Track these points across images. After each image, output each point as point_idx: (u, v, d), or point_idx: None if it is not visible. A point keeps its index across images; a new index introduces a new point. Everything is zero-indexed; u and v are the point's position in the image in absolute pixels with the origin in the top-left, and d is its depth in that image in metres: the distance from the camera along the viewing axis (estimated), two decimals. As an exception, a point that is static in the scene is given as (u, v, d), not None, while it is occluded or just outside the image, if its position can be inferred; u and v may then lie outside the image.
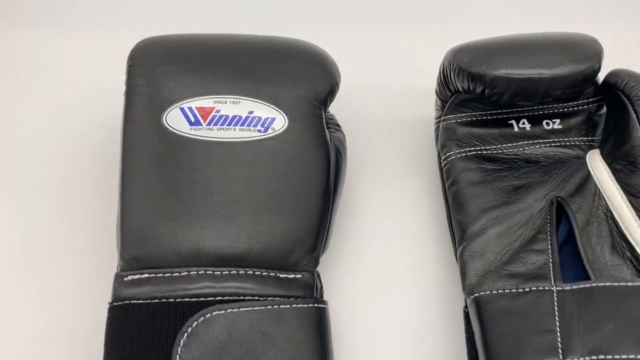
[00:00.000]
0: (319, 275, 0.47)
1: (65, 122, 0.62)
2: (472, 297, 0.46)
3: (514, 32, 0.58)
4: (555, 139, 0.54)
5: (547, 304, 0.44)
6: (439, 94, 0.58)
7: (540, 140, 0.54)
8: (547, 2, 0.73)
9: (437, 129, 0.59)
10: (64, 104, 0.63)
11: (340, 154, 0.52)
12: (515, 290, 0.45)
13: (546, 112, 0.55)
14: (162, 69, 0.49)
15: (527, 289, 0.45)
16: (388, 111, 0.65)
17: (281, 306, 0.43)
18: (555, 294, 0.44)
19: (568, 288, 0.44)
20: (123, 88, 0.51)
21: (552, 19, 0.70)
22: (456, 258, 0.51)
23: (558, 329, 0.42)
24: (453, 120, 0.56)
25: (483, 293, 0.46)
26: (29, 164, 0.59)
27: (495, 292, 0.46)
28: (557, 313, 0.43)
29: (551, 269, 0.46)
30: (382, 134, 0.63)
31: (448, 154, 0.55)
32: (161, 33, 0.55)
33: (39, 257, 0.54)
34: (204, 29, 0.58)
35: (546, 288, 0.44)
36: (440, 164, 0.56)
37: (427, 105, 0.63)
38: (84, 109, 0.62)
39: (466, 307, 0.48)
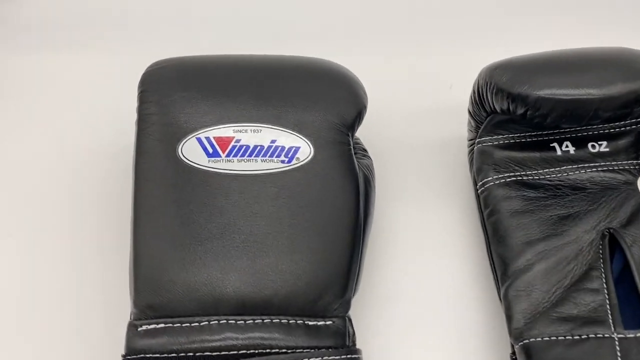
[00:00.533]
0: (350, 321, 0.43)
1: (72, 150, 0.58)
2: (521, 343, 0.42)
3: (544, 48, 0.54)
4: (603, 163, 0.49)
5: (608, 354, 0.39)
6: (472, 114, 0.54)
7: (586, 165, 0.50)
8: (577, 14, 0.69)
9: (470, 152, 0.55)
10: (71, 130, 0.60)
11: (369, 183, 0.48)
12: (570, 337, 0.41)
13: (591, 133, 0.51)
14: (176, 95, 0.46)
15: (583, 336, 0.41)
16: (415, 131, 0.61)
17: (311, 359, 0.39)
18: (617, 342, 0.40)
19: (631, 335, 0.40)
20: (134, 114, 0.47)
21: (585, 31, 0.66)
22: (499, 296, 0.47)
23: (622, 383, 0.38)
24: (489, 143, 0.52)
25: (533, 339, 0.42)
26: (33, 196, 0.55)
27: (547, 338, 0.41)
28: (620, 364, 0.39)
29: (609, 311, 0.42)
30: (410, 157, 0.59)
31: (485, 180, 0.50)
32: (173, 52, 0.52)
33: (44, 301, 0.50)
34: (219, 47, 0.55)
35: (606, 335, 0.40)
36: (477, 190, 0.52)
37: (457, 123, 0.60)
38: (93, 135, 0.59)
39: (513, 353, 0.43)
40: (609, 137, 0.50)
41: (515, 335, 0.43)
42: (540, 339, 0.41)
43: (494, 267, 0.48)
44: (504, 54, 0.52)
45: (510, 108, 0.48)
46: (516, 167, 0.50)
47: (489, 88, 0.49)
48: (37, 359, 0.47)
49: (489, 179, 0.50)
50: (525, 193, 0.49)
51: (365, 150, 0.52)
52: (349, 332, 0.42)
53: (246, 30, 0.68)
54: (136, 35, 0.67)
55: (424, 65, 0.66)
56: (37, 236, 0.53)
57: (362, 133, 0.52)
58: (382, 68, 0.66)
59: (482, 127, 0.53)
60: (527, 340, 0.42)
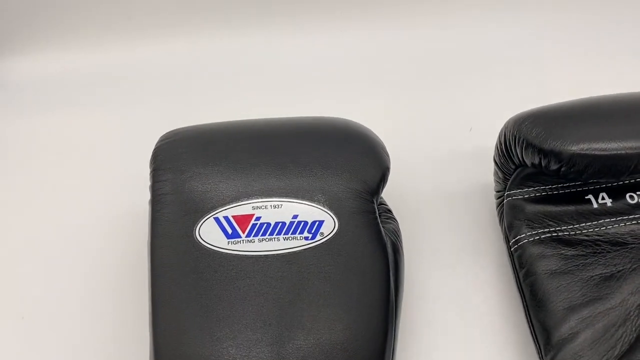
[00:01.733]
0: (387, 405, 0.40)
1: (85, 218, 0.56)
2: None
3: (571, 89, 0.51)
4: (643, 215, 0.47)
5: None
6: (499, 165, 0.51)
7: (625, 217, 0.47)
8: (600, 53, 0.67)
9: (500, 205, 0.52)
10: (83, 195, 0.58)
11: (397, 251, 0.46)
12: (629, 420, 0.38)
13: (628, 183, 0.48)
14: (190, 172, 0.43)
15: (643, 418, 0.38)
16: (437, 179, 0.59)
17: None
18: None
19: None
20: (146, 177, 0.45)
21: (610, 72, 0.64)
22: (543, 367, 0.44)
23: None
24: (519, 197, 0.49)
25: (587, 422, 0.39)
26: (47, 276, 0.53)
27: (603, 420, 0.38)
28: None
29: (668, 386, 0.39)
30: (433, 209, 0.56)
31: (518, 237, 0.48)
32: (182, 108, 0.50)
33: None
34: (229, 101, 0.53)
35: (667, 415, 0.37)
36: (510, 248, 0.49)
37: (479, 168, 0.57)
38: (107, 200, 0.56)
39: None
40: (647, 187, 0.48)
41: (566, 415, 0.40)
42: (594, 421, 0.38)
43: (535, 335, 0.45)
44: (524, 94, 0.50)
45: (542, 164, 0.46)
46: (550, 222, 0.47)
47: (518, 142, 0.47)
48: None
49: (522, 235, 0.47)
50: (562, 251, 0.46)
51: (390, 211, 0.49)
52: (387, 420, 0.40)
53: (258, 79, 0.66)
54: (146, 94, 0.65)
55: (441, 109, 0.64)
56: (49, 316, 0.51)
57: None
58: (398, 113, 0.64)
59: (511, 179, 0.50)
60: (580, 423, 0.39)
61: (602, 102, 0.47)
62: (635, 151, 0.43)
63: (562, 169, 0.45)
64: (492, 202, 0.55)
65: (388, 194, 0.51)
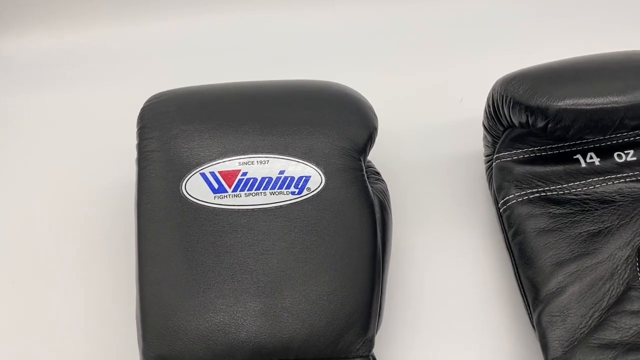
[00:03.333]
0: (375, 359, 0.40)
1: (75, 189, 0.56)
2: (561, 375, 0.39)
3: (559, 56, 0.51)
4: (630, 174, 0.47)
5: (659, 384, 0.36)
6: (488, 128, 0.52)
7: (613, 176, 0.47)
8: (593, 19, 0.67)
9: (488, 169, 0.52)
10: (72, 167, 0.58)
11: (385, 209, 0.46)
12: (615, 367, 0.38)
13: (616, 142, 0.48)
14: (177, 129, 0.44)
15: (629, 365, 0.38)
16: (428, 149, 0.58)
17: (336, 406, 0.36)
18: (667, 370, 0.37)
19: (682, 362, 0.37)
20: (134, 150, 0.45)
21: (603, 36, 0.64)
22: (531, 323, 0.44)
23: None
24: (508, 159, 0.49)
25: (574, 370, 0.39)
26: (35, 240, 0.53)
27: (590, 369, 0.38)
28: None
29: (654, 335, 0.39)
30: (424, 176, 0.56)
31: (506, 197, 0.48)
32: (171, 83, 0.50)
33: (48, 351, 0.47)
34: (218, 75, 0.53)
35: (654, 362, 0.37)
36: (499, 209, 0.49)
37: (470, 137, 0.57)
38: (96, 172, 0.56)
39: (552, 385, 0.40)
40: (635, 145, 0.48)
41: (554, 365, 0.40)
42: (581, 369, 0.38)
43: (524, 291, 0.45)
44: (515, 64, 0.50)
45: (529, 121, 0.46)
46: (539, 183, 0.47)
47: (505, 101, 0.47)
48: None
49: (511, 196, 0.48)
50: (551, 210, 0.46)
51: (378, 173, 0.49)
52: (374, 372, 0.40)
53: (246, 54, 0.66)
54: (132, 69, 0.65)
55: (432, 80, 0.64)
56: (39, 282, 0.51)
57: (373, 154, 0.50)
58: (388, 85, 0.63)
59: (500, 142, 0.50)
60: (567, 372, 0.39)
61: (588, 61, 0.47)
62: (621, 105, 0.43)
63: (549, 125, 0.45)
64: (482, 170, 0.55)
65: (377, 164, 0.51)
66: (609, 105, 0.43)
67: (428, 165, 0.57)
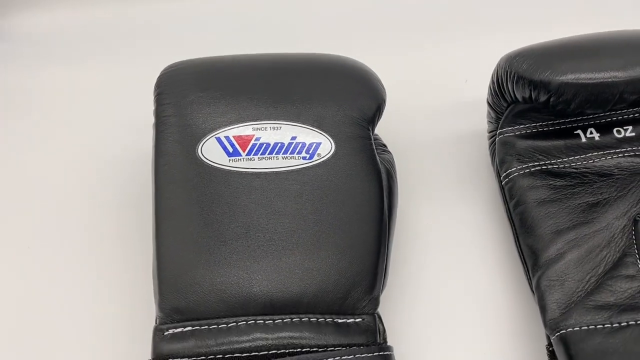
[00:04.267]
0: (380, 317, 0.42)
1: (89, 160, 0.57)
2: (558, 334, 0.41)
3: (563, 36, 0.53)
4: (629, 149, 0.48)
5: (651, 341, 0.38)
6: (492, 104, 0.53)
7: (612, 151, 0.48)
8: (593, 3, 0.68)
9: (492, 144, 0.54)
10: (88, 139, 0.59)
11: (391, 177, 0.47)
12: (609, 325, 0.40)
13: (615, 118, 0.50)
14: (193, 96, 0.45)
15: (623, 323, 0.39)
16: (432, 127, 0.60)
17: (343, 358, 0.38)
18: (659, 328, 0.38)
19: (673, 321, 0.38)
20: (150, 119, 0.47)
21: (605, 17, 0.65)
22: (531, 288, 0.45)
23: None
24: (511, 134, 0.51)
25: (570, 329, 0.40)
26: (51, 206, 0.55)
27: (586, 327, 0.40)
28: (664, 351, 0.38)
29: (648, 297, 0.40)
30: (429, 153, 0.58)
31: (509, 170, 0.49)
32: (186, 57, 0.52)
33: (67, 309, 0.49)
34: (231, 51, 0.55)
35: (647, 321, 0.39)
36: (501, 182, 0.51)
37: (474, 117, 0.59)
38: (110, 144, 0.58)
39: (550, 345, 0.42)
40: (634, 122, 0.49)
41: (551, 326, 0.41)
42: (577, 328, 0.40)
43: (524, 259, 0.47)
44: (519, 46, 0.52)
45: (532, 96, 0.47)
46: (540, 156, 0.49)
47: (509, 77, 0.48)
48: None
49: (513, 169, 0.49)
50: (551, 182, 0.48)
51: (385, 145, 0.51)
52: (379, 329, 0.41)
53: (258, 32, 0.67)
54: (147, 44, 0.67)
55: (437, 61, 0.65)
56: (58, 245, 0.52)
57: (380, 131, 0.52)
58: (394, 65, 0.65)
59: (503, 117, 0.52)
60: (564, 331, 0.40)
61: (588, 38, 0.49)
62: (619, 79, 0.45)
63: (552, 99, 0.46)
64: (485, 147, 0.56)
65: (383, 139, 0.53)
66: (609, 80, 0.45)
67: (433, 143, 0.59)
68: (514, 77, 0.48)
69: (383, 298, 0.44)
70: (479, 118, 0.58)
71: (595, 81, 0.45)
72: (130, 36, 0.68)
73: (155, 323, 0.40)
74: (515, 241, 0.48)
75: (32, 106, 0.63)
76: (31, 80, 0.65)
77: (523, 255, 0.47)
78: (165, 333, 0.39)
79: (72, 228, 0.53)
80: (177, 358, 0.38)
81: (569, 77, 0.45)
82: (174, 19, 0.69)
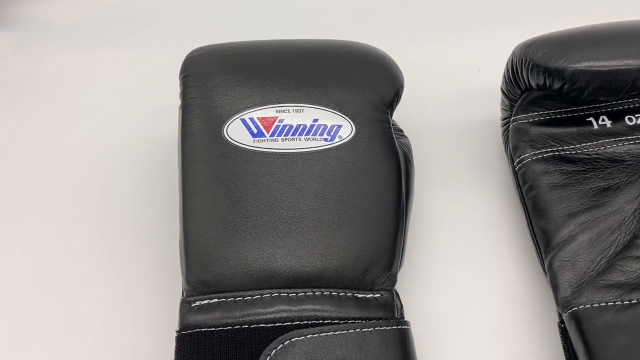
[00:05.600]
0: (397, 294, 0.44)
1: (117, 142, 0.59)
2: (570, 311, 0.42)
3: (577, 26, 0.54)
4: (639, 136, 0.49)
5: (660, 317, 0.39)
6: (506, 92, 0.55)
7: (624, 138, 0.50)
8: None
9: (505, 131, 0.55)
10: (115, 123, 0.61)
11: (409, 161, 0.49)
12: (620, 303, 0.41)
13: (627, 107, 0.51)
14: (218, 79, 0.47)
15: (633, 301, 0.41)
16: (446, 115, 0.61)
17: (363, 329, 0.40)
18: (668, 305, 0.40)
19: (682, 298, 0.40)
20: (169, 105, 0.48)
21: (618, 7, 0.66)
22: (543, 269, 0.47)
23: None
24: (524, 120, 0.52)
25: (582, 307, 0.42)
26: (80, 185, 0.56)
27: (597, 305, 0.41)
28: (673, 327, 0.39)
29: (657, 277, 0.42)
30: (443, 141, 0.59)
31: (522, 156, 0.51)
32: (204, 43, 0.53)
33: (94, 285, 0.51)
34: (254, 37, 0.56)
35: (656, 299, 0.40)
36: (514, 167, 0.52)
37: (487, 106, 0.60)
38: (136, 127, 0.60)
39: (561, 322, 0.44)
40: (645, 110, 0.50)
41: (563, 304, 0.43)
42: (589, 305, 0.42)
43: (536, 241, 0.48)
44: (532, 37, 0.53)
45: (547, 83, 0.49)
46: (553, 143, 0.50)
47: (524, 64, 0.50)
48: (91, 340, 0.48)
49: (526, 155, 0.50)
50: (564, 167, 0.49)
51: (401, 131, 0.52)
52: (397, 305, 0.43)
53: (278, 19, 0.69)
54: (169, 31, 0.68)
55: (452, 51, 0.66)
56: (86, 222, 0.54)
57: (396, 118, 0.53)
58: (410, 54, 0.66)
59: (517, 104, 0.53)
60: (575, 308, 0.42)
61: (602, 27, 0.50)
62: (632, 67, 0.46)
63: (565, 86, 0.48)
64: (498, 135, 0.58)
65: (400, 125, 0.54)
66: (622, 67, 0.46)
67: (447, 130, 0.60)
68: (528, 64, 0.49)
69: (400, 277, 0.45)
70: (491, 107, 0.59)
71: (608, 68, 0.46)
72: (145, 22, 0.69)
73: (182, 296, 0.42)
74: (528, 224, 0.50)
75: (52, 92, 0.64)
76: (48, 67, 0.66)
77: (536, 237, 0.48)
78: (192, 305, 0.41)
79: (100, 204, 0.55)
80: (204, 328, 0.40)
81: (583, 65, 0.47)
82: (193, 4, 0.70)
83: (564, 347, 0.43)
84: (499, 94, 0.56)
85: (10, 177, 0.57)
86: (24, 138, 0.60)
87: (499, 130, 0.58)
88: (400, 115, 0.54)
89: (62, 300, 0.50)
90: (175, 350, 0.40)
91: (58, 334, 0.48)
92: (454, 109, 0.61)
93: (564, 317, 0.43)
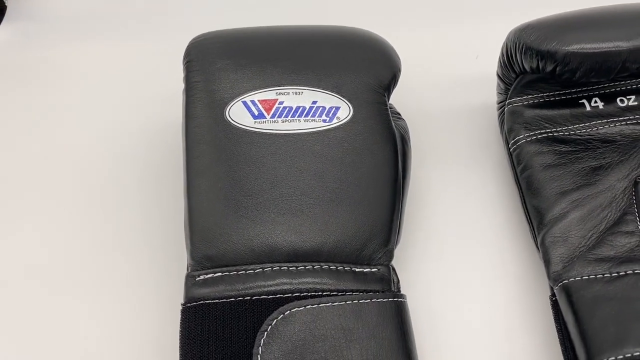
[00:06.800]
0: (394, 269, 0.45)
1: (122, 127, 0.61)
2: (560, 284, 0.44)
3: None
4: (631, 117, 0.51)
5: (648, 287, 0.41)
6: (501, 76, 0.56)
7: (615, 119, 0.51)
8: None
9: (501, 114, 0.57)
10: (121, 109, 0.62)
11: (405, 142, 0.50)
12: (608, 275, 0.43)
13: (619, 89, 0.52)
14: (220, 63, 0.48)
15: (622, 273, 0.42)
16: (444, 101, 0.63)
17: (361, 301, 0.41)
18: (655, 276, 0.41)
19: (668, 270, 0.41)
20: (179, 88, 0.50)
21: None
22: (536, 245, 0.48)
23: (662, 314, 0.40)
24: (519, 103, 0.54)
25: (573, 279, 0.43)
26: (90, 167, 0.58)
27: (587, 277, 0.43)
28: (659, 297, 0.40)
29: (645, 250, 0.43)
30: (440, 124, 0.61)
31: (517, 138, 0.52)
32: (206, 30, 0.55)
33: (104, 260, 0.52)
34: (255, 24, 0.57)
35: (644, 270, 0.42)
36: (509, 149, 0.53)
37: (484, 91, 0.61)
38: (142, 112, 0.61)
39: (553, 295, 0.45)
40: (637, 92, 0.52)
41: (554, 277, 0.44)
42: (579, 278, 0.43)
43: (530, 219, 0.50)
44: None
45: (540, 66, 0.50)
46: (547, 124, 0.52)
47: (518, 48, 0.51)
48: (102, 313, 0.50)
49: (521, 136, 0.52)
50: (557, 148, 0.50)
51: (399, 114, 0.54)
52: (393, 280, 0.44)
53: (277, 7, 0.70)
54: (174, 20, 0.70)
55: (450, 38, 0.68)
56: (96, 202, 0.56)
57: (394, 104, 0.55)
58: (408, 41, 0.67)
59: (512, 88, 0.54)
60: (566, 281, 0.43)
61: (593, 11, 0.51)
62: (623, 48, 0.47)
63: (558, 68, 0.49)
64: (494, 119, 0.59)
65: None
66: (613, 49, 0.47)
67: (444, 115, 0.61)
68: (522, 47, 0.50)
69: (396, 254, 0.47)
70: (488, 92, 0.60)
71: (599, 50, 0.47)
72: (151, 12, 0.71)
73: (187, 271, 0.44)
74: (522, 203, 0.51)
75: (61, 82, 0.66)
76: (56, 57, 0.68)
77: (529, 215, 0.50)
78: (197, 279, 0.42)
79: (109, 185, 0.57)
80: (208, 300, 0.41)
81: (574, 47, 0.48)
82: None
83: (555, 319, 0.44)
84: (496, 80, 0.57)
85: (21, 165, 0.59)
86: (34, 127, 0.62)
87: (495, 114, 0.59)
88: (399, 102, 0.56)
89: (70, 276, 0.52)
90: (181, 322, 0.41)
91: (67, 301, 0.50)
92: (451, 94, 0.63)
93: (555, 290, 0.44)
